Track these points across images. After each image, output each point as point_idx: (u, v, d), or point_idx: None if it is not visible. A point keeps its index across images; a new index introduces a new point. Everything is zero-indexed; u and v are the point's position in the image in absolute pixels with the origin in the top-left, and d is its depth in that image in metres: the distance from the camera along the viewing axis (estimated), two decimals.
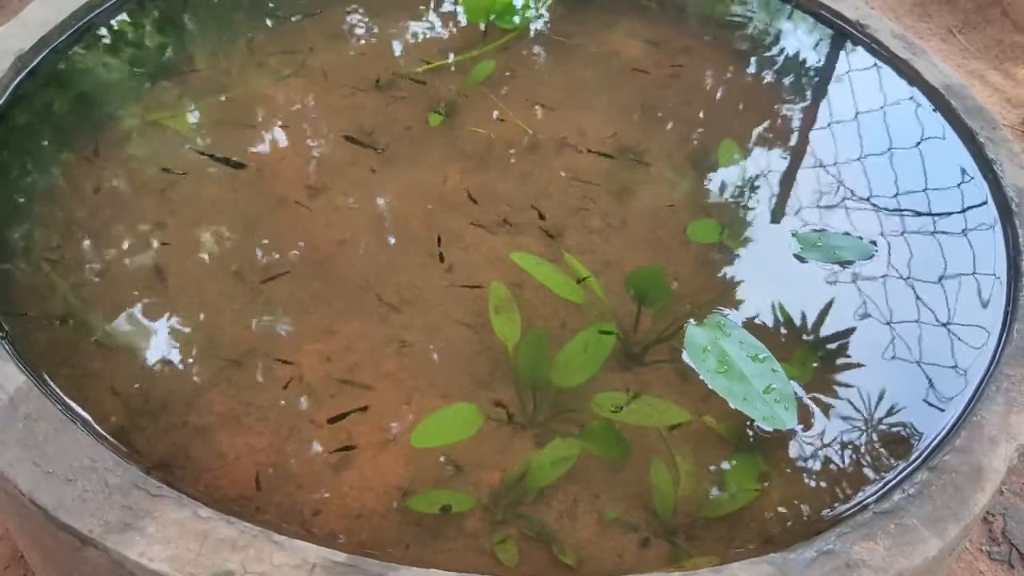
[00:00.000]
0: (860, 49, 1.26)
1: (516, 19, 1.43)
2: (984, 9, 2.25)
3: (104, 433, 0.87)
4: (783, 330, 1.01)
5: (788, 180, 1.18)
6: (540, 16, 1.45)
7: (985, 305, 0.97)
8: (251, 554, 0.69)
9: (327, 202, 1.19)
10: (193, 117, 1.30)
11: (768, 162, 1.21)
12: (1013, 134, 1.93)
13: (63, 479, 0.74)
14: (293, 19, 1.47)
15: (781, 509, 0.88)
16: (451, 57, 1.40)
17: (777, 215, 1.13)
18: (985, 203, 1.05)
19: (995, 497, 1.35)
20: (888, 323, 0.99)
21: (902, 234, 1.08)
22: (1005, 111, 2.00)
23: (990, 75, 2.09)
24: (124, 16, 1.42)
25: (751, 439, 0.93)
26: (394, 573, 0.69)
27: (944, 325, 0.97)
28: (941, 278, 1.02)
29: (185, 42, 1.45)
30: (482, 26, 1.44)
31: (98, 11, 1.37)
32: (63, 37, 1.32)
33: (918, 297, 1.01)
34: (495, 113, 1.32)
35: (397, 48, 1.42)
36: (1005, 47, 2.15)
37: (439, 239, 1.07)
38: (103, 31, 1.40)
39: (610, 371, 1.00)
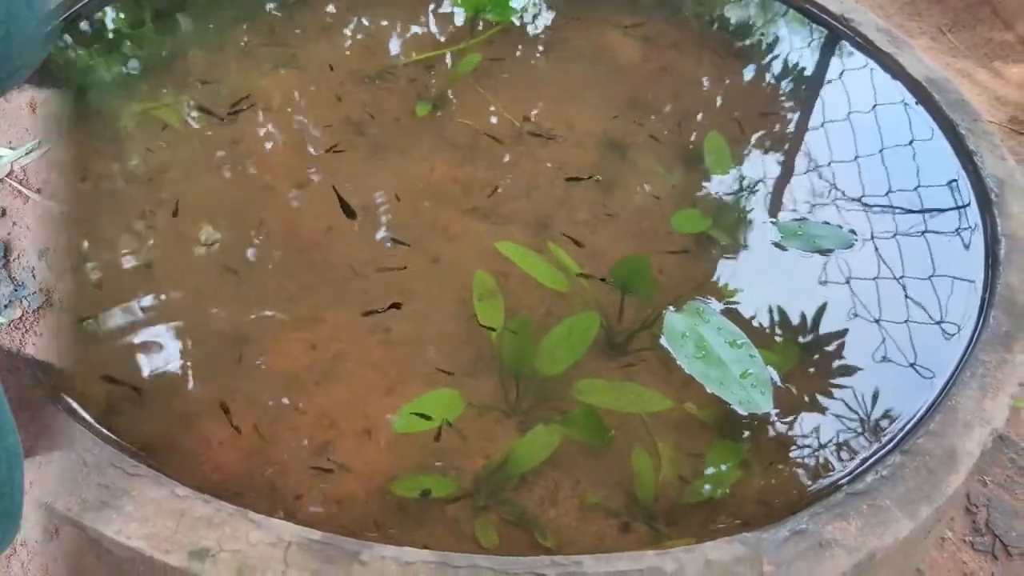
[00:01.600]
0: (844, 43, 1.27)
1: (504, 13, 1.44)
2: (974, 8, 2.25)
3: (84, 415, 0.87)
4: (763, 318, 1.02)
5: (771, 172, 1.18)
6: (529, 9, 1.46)
7: (962, 292, 0.98)
8: (227, 532, 0.70)
9: (315, 191, 1.19)
10: (182, 107, 1.31)
11: (752, 154, 1.22)
12: (1001, 131, 1.94)
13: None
14: (282, 11, 1.47)
15: (759, 493, 0.89)
16: (439, 49, 1.41)
17: (760, 205, 1.14)
18: (965, 193, 1.06)
19: (976, 487, 1.36)
20: (866, 310, 1.00)
21: (882, 222, 1.09)
22: (994, 109, 2.01)
23: (979, 73, 2.10)
24: (112, 6, 1.42)
25: (731, 425, 0.94)
26: (369, 551, 0.69)
27: (922, 310, 0.98)
28: (919, 265, 1.03)
29: (174, 33, 1.45)
30: (471, 19, 1.45)
31: (85, 1, 1.38)
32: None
33: (896, 284, 1.02)
34: (483, 105, 1.33)
35: (385, 40, 1.42)
36: (994, 45, 2.16)
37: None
38: (90, 20, 1.41)
39: (593, 359, 1.01)
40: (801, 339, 0.99)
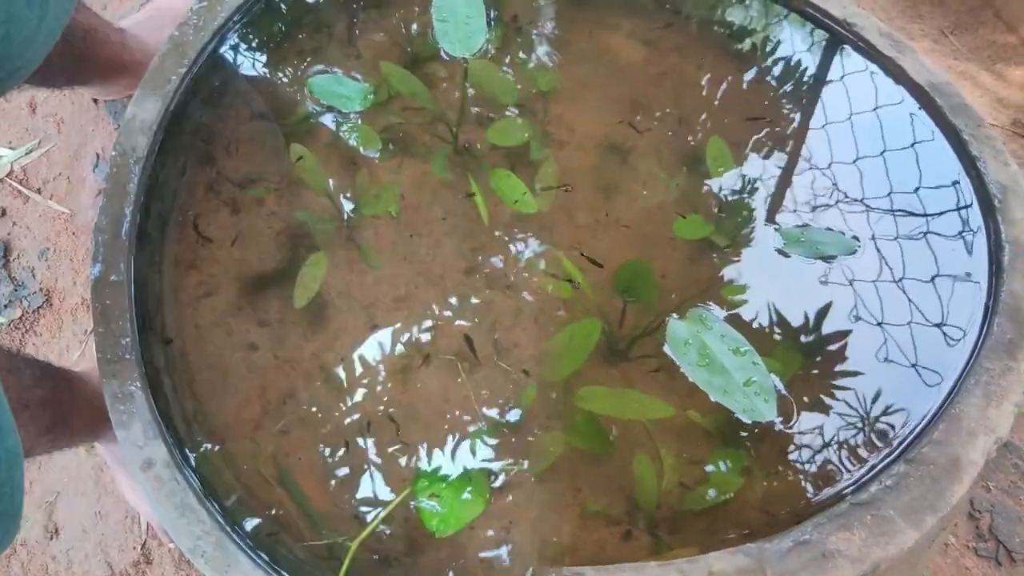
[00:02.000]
0: (847, 47, 1.26)
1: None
2: (976, 11, 2.25)
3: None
4: (767, 325, 1.01)
5: (774, 177, 1.18)
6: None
7: (965, 299, 0.97)
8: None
9: None
10: None
11: (754, 159, 1.21)
12: (1004, 134, 1.94)
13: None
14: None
15: (762, 501, 0.88)
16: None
17: (762, 211, 1.13)
18: (967, 199, 1.05)
19: (979, 492, 1.36)
20: (870, 317, 0.99)
21: (884, 231, 1.08)
22: (996, 111, 2.01)
23: (981, 76, 2.09)
24: None
25: (735, 433, 0.93)
26: None
27: (925, 318, 0.97)
28: (922, 272, 1.02)
29: None
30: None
31: None
32: None
33: (899, 291, 1.01)
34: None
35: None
36: (997, 48, 2.15)
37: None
38: None
39: (596, 366, 1.00)
40: (804, 347, 0.98)
